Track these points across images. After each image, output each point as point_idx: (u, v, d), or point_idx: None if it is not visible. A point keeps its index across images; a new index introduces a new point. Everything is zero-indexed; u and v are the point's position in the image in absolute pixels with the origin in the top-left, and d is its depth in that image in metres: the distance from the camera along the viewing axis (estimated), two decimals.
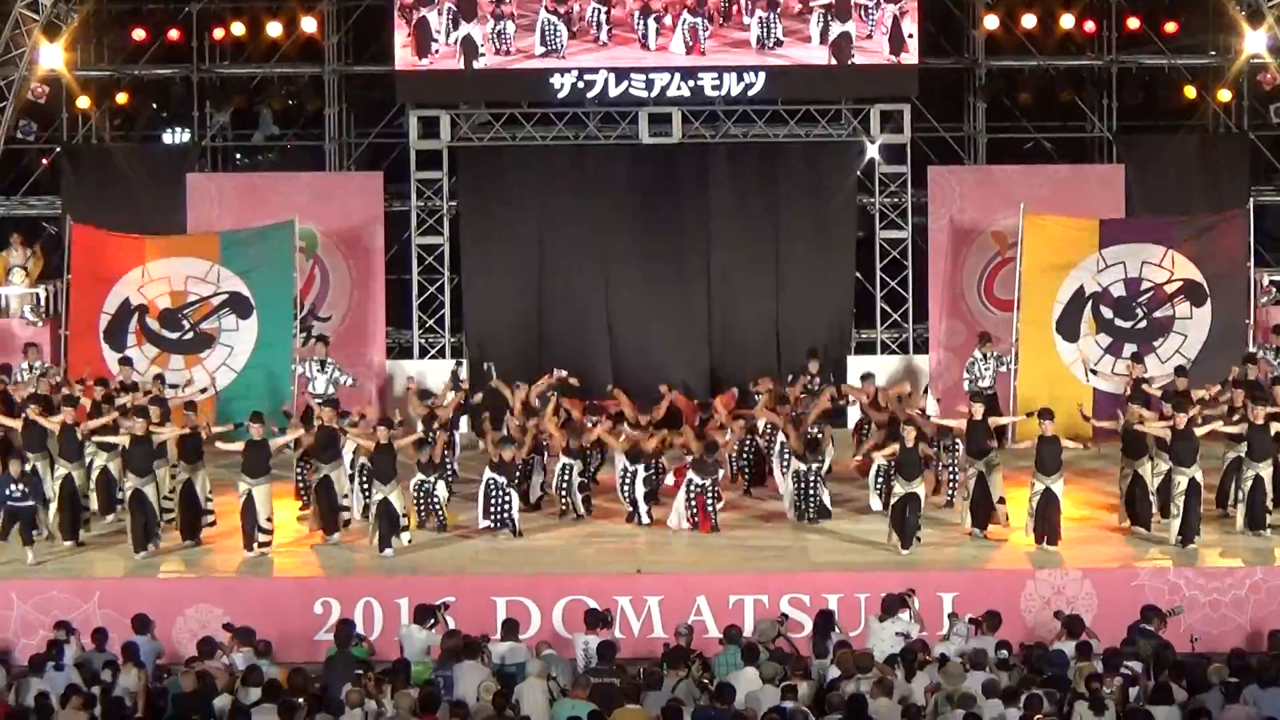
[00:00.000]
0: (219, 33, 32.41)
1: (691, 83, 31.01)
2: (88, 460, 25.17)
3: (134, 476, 24.23)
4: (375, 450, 24.42)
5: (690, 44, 30.83)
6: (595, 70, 31.01)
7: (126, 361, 28.27)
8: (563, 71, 30.98)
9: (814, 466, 25.39)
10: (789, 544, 24.73)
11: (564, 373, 28.06)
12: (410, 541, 24.48)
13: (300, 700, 18.48)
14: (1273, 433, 24.46)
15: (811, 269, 31.90)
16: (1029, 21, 32.07)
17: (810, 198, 32.01)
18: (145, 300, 29.49)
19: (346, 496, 25.12)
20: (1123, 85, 32.73)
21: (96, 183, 31.85)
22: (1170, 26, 32.48)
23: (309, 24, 32.15)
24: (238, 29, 32.23)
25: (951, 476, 26.19)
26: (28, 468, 24.53)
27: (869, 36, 30.78)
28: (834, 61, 30.80)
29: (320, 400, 27.49)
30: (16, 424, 25.30)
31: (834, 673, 19.35)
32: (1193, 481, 24.02)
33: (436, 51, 30.82)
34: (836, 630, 20.79)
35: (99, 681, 19.67)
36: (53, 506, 24.78)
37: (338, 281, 31.53)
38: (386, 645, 21.72)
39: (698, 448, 25.12)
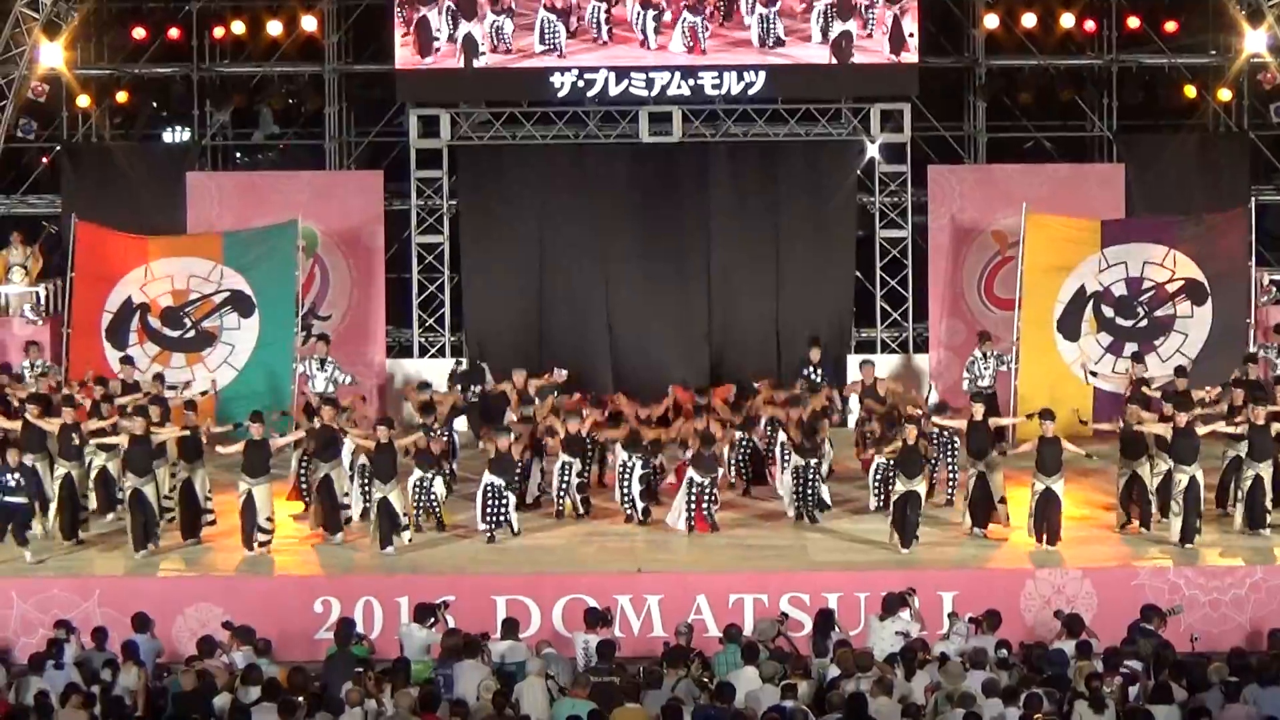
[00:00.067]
0: (219, 31, 32.44)
1: (692, 82, 31.02)
2: (87, 460, 25.17)
3: (133, 476, 24.23)
4: (375, 450, 24.42)
5: (690, 43, 30.82)
6: (595, 69, 31.02)
7: (128, 360, 28.27)
8: (563, 70, 30.99)
9: (812, 463, 25.38)
10: (789, 543, 24.73)
11: (564, 372, 28.07)
12: (410, 540, 24.48)
13: (300, 699, 18.47)
14: (1274, 433, 24.47)
15: (811, 268, 31.92)
16: (1029, 21, 32.09)
17: (810, 197, 32.02)
18: (147, 299, 29.49)
19: (347, 495, 25.13)
20: (1123, 84, 32.75)
21: (97, 181, 31.86)
22: (1170, 26, 32.50)
23: (309, 23, 32.17)
24: (238, 28, 32.26)
25: (951, 476, 26.22)
26: (28, 460, 24.53)
27: (869, 35, 30.79)
28: (834, 60, 30.80)
29: (319, 396, 27.54)
30: (15, 425, 25.27)
31: (834, 672, 19.35)
32: (1193, 480, 24.03)
33: (438, 50, 30.83)
34: (836, 629, 20.78)
35: (99, 680, 19.67)
36: (52, 506, 24.80)
37: (338, 280, 31.55)
38: (386, 644, 21.72)
39: (694, 442, 25.10)
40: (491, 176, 32.01)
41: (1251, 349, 28.89)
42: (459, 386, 28.49)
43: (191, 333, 29.53)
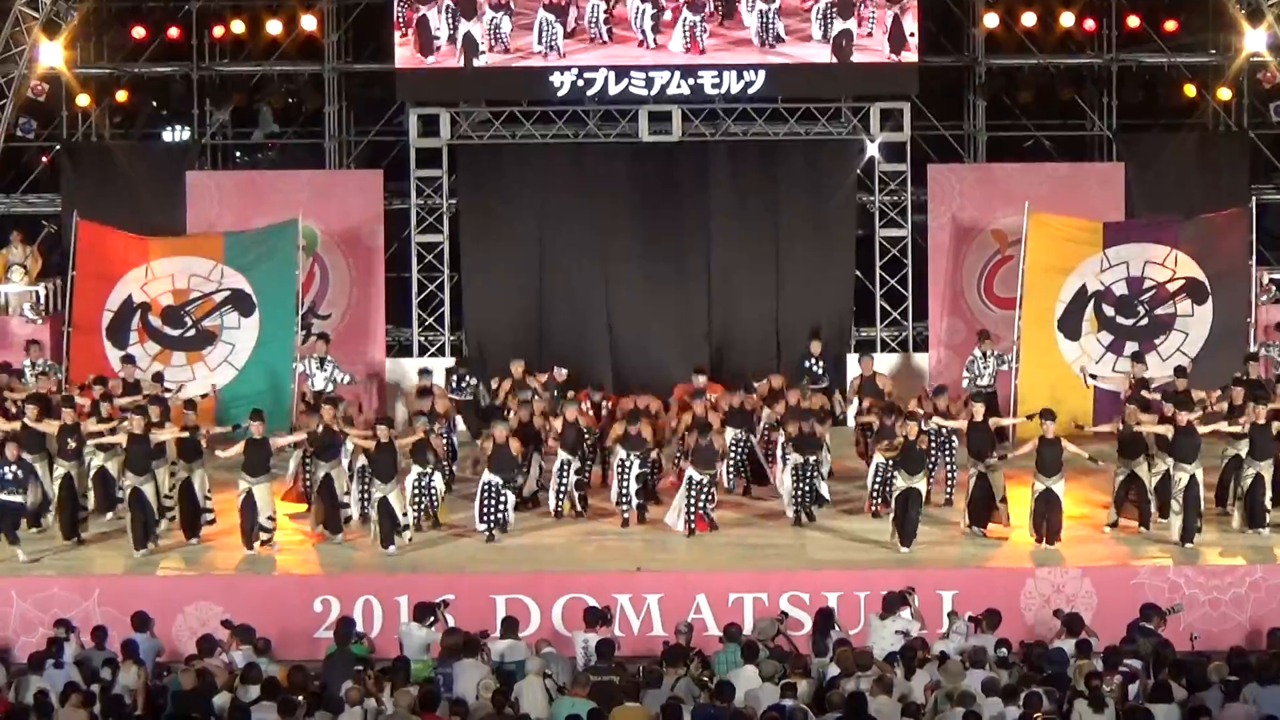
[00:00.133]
0: (219, 30, 32.45)
1: (691, 81, 31.02)
2: (86, 460, 25.17)
3: (132, 475, 24.23)
4: (375, 449, 24.40)
5: (689, 42, 30.81)
6: (595, 68, 31.02)
7: (129, 359, 28.29)
8: (562, 69, 30.99)
9: (812, 460, 25.37)
10: (789, 542, 24.73)
11: (564, 371, 28.07)
12: (411, 540, 24.47)
13: (299, 698, 18.46)
14: (1275, 431, 24.47)
15: (811, 267, 31.92)
16: (1029, 20, 32.10)
17: (810, 196, 32.03)
18: (148, 298, 29.49)
19: (347, 495, 25.13)
20: (1123, 83, 32.75)
21: (96, 180, 31.87)
22: (1170, 25, 32.50)
23: (309, 22, 32.17)
24: (237, 27, 32.26)
25: (950, 475, 26.22)
26: (27, 459, 24.56)
27: (869, 35, 30.79)
28: (834, 59, 30.79)
29: (315, 395, 27.58)
30: (14, 426, 25.26)
31: (834, 671, 19.34)
32: (1193, 479, 24.03)
33: (438, 49, 30.83)
34: (836, 628, 20.77)
35: (98, 679, 19.66)
36: (52, 506, 24.82)
37: (337, 279, 31.56)
38: (386, 643, 21.70)
39: (691, 439, 25.08)
40: (491, 176, 32.02)
41: (1252, 348, 28.91)
42: (455, 379, 28.49)
43: (192, 331, 29.54)
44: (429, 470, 24.98)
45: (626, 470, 25.32)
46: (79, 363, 28.73)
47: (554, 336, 31.55)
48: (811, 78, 31.28)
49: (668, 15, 30.81)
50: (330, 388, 27.99)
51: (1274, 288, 31.05)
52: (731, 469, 26.78)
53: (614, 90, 31.15)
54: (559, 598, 22.63)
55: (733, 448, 26.63)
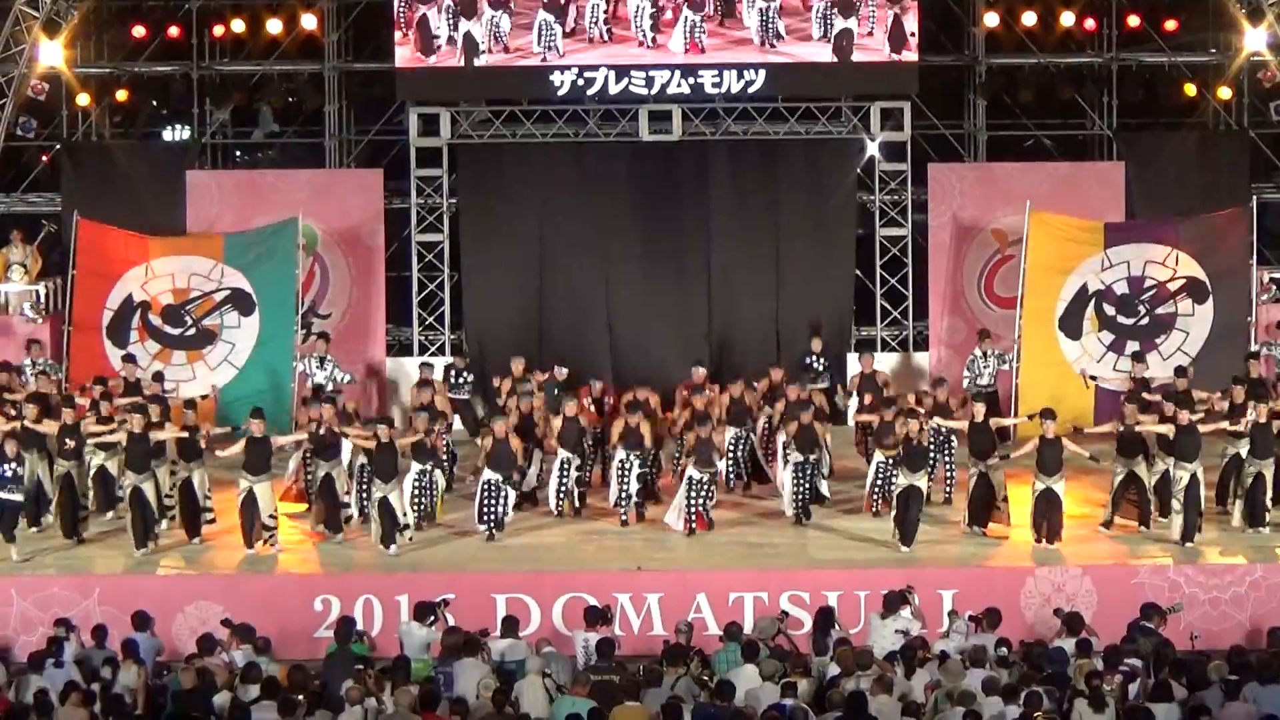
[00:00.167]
0: (219, 30, 32.44)
1: (691, 80, 31.00)
2: (86, 459, 25.16)
3: (132, 474, 24.24)
4: (376, 449, 24.39)
5: (689, 43, 30.80)
6: (595, 67, 31.00)
7: (130, 358, 28.28)
8: (563, 69, 30.97)
9: (811, 459, 25.37)
10: (789, 541, 24.74)
11: (564, 370, 28.07)
12: (411, 539, 24.47)
13: (300, 697, 18.47)
14: (1276, 430, 24.49)
15: (811, 266, 31.90)
16: (1029, 19, 32.09)
17: (810, 195, 32.01)
18: (148, 296, 29.46)
19: (348, 494, 25.13)
20: (1123, 83, 32.75)
21: (96, 180, 31.86)
22: (1170, 24, 32.50)
23: (309, 21, 32.17)
24: (237, 26, 32.26)
25: (948, 473, 26.23)
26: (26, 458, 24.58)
27: (869, 34, 30.77)
28: (835, 58, 30.78)
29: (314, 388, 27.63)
30: (14, 425, 25.26)
31: (834, 670, 19.34)
32: (1193, 478, 24.04)
33: (439, 48, 30.83)
34: (836, 627, 20.78)
35: (99, 678, 19.67)
36: (52, 505, 24.85)
37: (338, 279, 31.56)
38: (386, 642, 21.71)
39: (691, 436, 25.08)
40: (491, 175, 32.01)
41: (1254, 347, 28.91)
42: (452, 375, 28.49)
43: (192, 330, 29.51)
44: (429, 467, 24.97)
45: (626, 472, 25.33)
46: (79, 362, 28.73)
47: (554, 335, 31.53)
48: (812, 77, 31.26)
49: (668, 15, 30.79)
50: (330, 386, 27.98)
51: (1274, 287, 31.03)
52: (731, 468, 26.78)
53: (614, 89, 31.14)
54: (559, 597, 22.64)
55: (732, 446, 26.64)
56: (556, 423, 25.78)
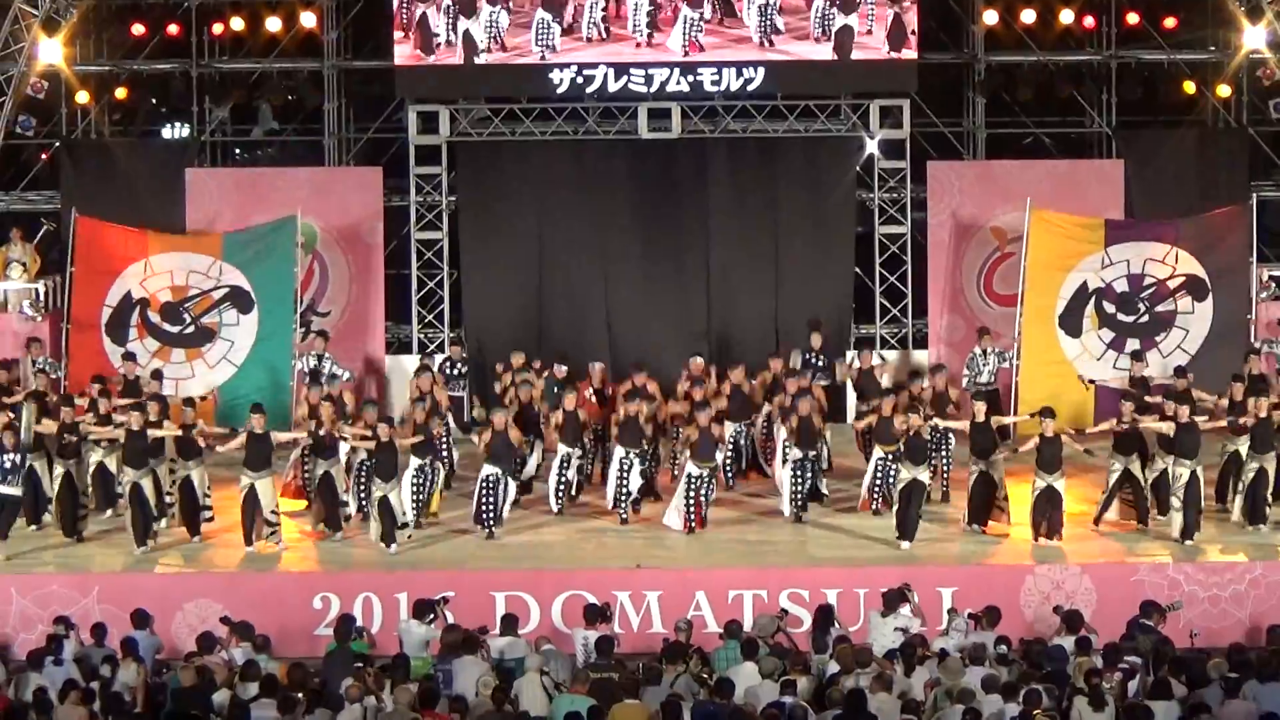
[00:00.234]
0: (218, 28, 32.41)
1: (691, 78, 30.99)
2: (85, 456, 25.16)
3: (131, 470, 24.24)
4: (376, 449, 24.37)
5: (688, 42, 30.79)
6: (594, 65, 30.98)
7: (130, 356, 28.25)
8: (562, 66, 30.97)
9: (811, 454, 25.37)
10: (788, 539, 24.74)
11: (564, 368, 28.05)
12: (410, 537, 24.47)
13: (299, 695, 18.48)
14: (1277, 425, 24.51)
15: (811, 264, 31.88)
16: (1028, 17, 32.06)
17: (809, 193, 31.99)
18: (147, 294, 29.42)
19: (346, 492, 25.13)
20: (1122, 80, 32.73)
21: (96, 178, 31.85)
22: (1169, 22, 32.46)
23: (308, 19, 32.14)
24: (237, 24, 32.23)
25: (946, 468, 26.24)
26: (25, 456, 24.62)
27: (869, 32, 30.76)
28: (836, 55, 30.76)
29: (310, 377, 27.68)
30: (10, 418, 25.28)
31: (833, 668, 19.35)
32: (1193, 476, 24.04)
33: (438, 46, 30.83)
34: (836, 625, 20.78)
35: (98, 676, 19.68)
36: (51, 505, 24.87)
37: (337, 276, 31.56)
38: (386, 640, 21.71)
39: (691, 429, 25.07)
40: (491, 173, 32.00)
41: (1255, 344, 28.91)
42: (447, 367, 28.48)
43: (191, 328, 29.47)
44: (428, 461, 24.97)
45: (626, 471, 25.32)
46: (78, 360, 28.68)
47: (553, 333, 31.50)
48: (811, 75, 31.26)
49: (666, 14, 30.76)
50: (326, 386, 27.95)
51: (1274, 284, 31.05)
52: (730, 464, 26.76)
53: (613, 87, 31.13)
54: (559, 595, 22.65)
55: (732, 442, 26.62)
56: (556, 417, 25.77)
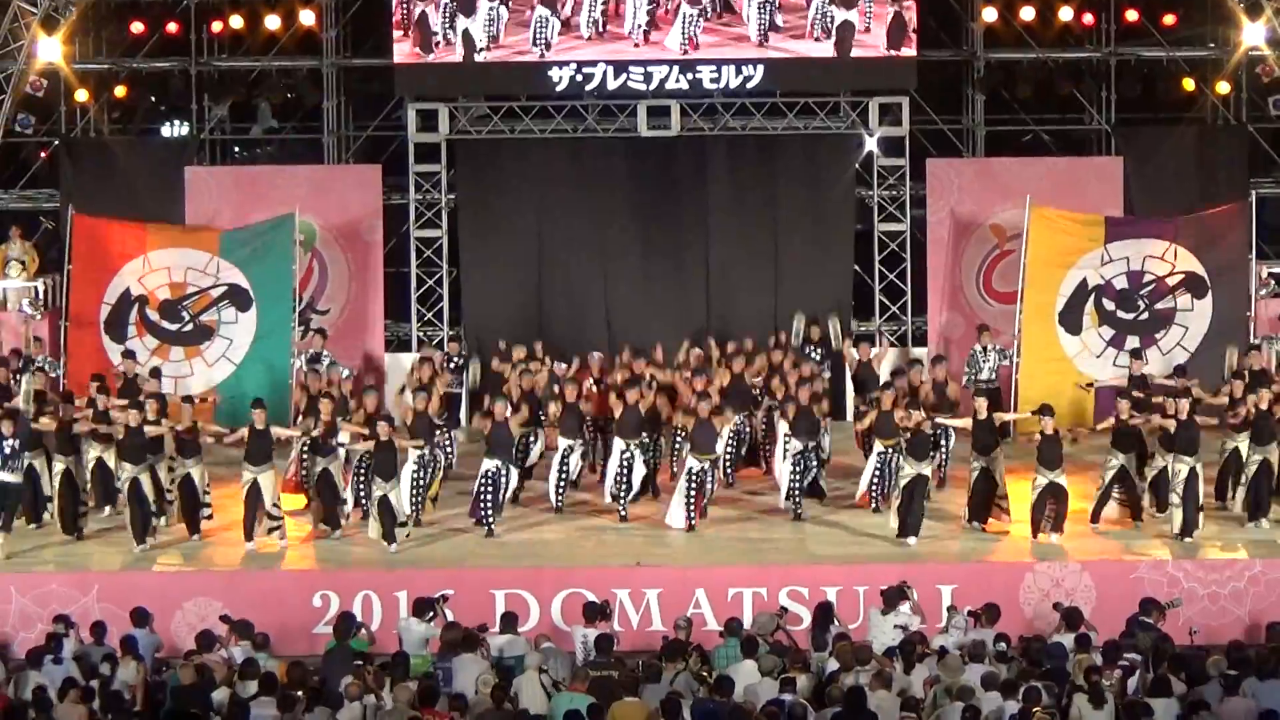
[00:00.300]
0: (217, 26, 32.44)
1: (690, 75, 31.01)
2: (84, 452, 25.15)
3: (129, 466, 24.23)
4: (376, 448, 24.33)
5: (687, 40, 30.79)
6: (593, 63, 31.00)
7: (130, 354, 28.25)
8: (561, 64, 30.98)
9: (811, 445, 25.36)
10: (788, 537, 24.73)
11: (564, 365, 28.05)
12: (408, 535, 24.46)
13: (299, 693, 18.47)
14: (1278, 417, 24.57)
15: (810, 262, 31.88)
16: (1027, 14, 32.06)
17: (809, 190, 32.01)
18: (145, 291, 29.38)
19: (346, 489, 25.12)
20: (1121, 78, 32.72)
21: (95, 176, 31.87)
22: (1169, 19, 32.47)
23: (307, 17, 32.16)
24: (236, 22, 32.26)
25: (944, 460, 26.27)
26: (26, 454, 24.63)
27: (867, 29, 30.77)
28: (836, 50, 30.76)
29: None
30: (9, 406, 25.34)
31: (833, 665, 19.34)
32: (1192, 472, 24.04)
33: (437, 44, 30.84)
34: (836, 623, 20.78)
35: (97, 675, 19.67)
36: (51, 503, 24.88)
37: (336, 274, 31.57)
38: (385, 638, 21.70)
39: (690, 419, 25.07)
40: (490, 171, 32.00)
41: (1255, 340, 28.91)
42: (447, 361, 28.52)
43: (189, 326, 29.44)
44: (426, 451, 24.95)
45: (627, 467, 25.28)
46: (77, 358, 28.66)
47: (553, 331, 31.45)
48: (810, 72, 31.27)
49: (664, 11, 30.75)
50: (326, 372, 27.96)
51: (1273, 282, 31.07)
52: (729, 460, 26.73)
53: (612, 85, 31.15)
54: (558, 593, 22.64)
55: (732, 437, 26.60)
56: (555, 408, 25.77)
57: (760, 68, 30.97)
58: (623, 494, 25.37)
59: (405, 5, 30.81)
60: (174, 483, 24.97)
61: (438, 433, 26.02)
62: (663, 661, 19.47)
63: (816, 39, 30.83)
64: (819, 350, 28.94)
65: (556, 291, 31.94)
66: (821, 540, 24.53)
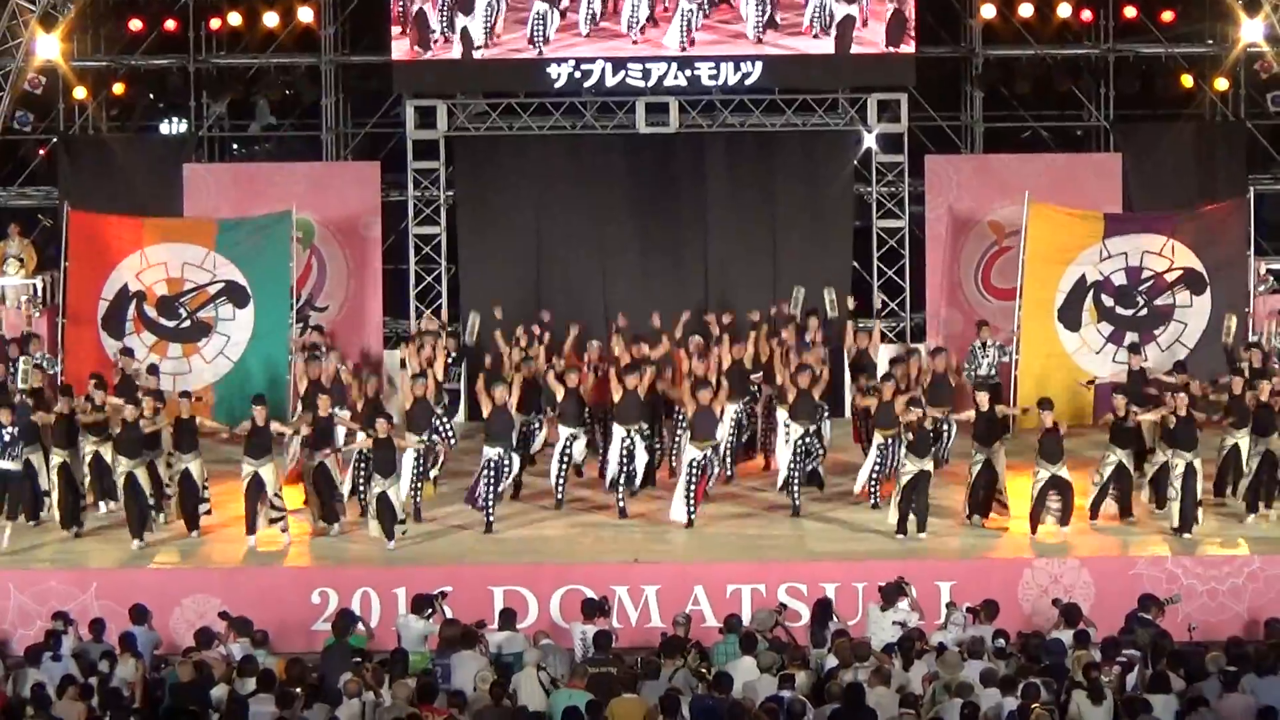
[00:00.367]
0: (215, 23, 32.43)
1: (688, 72, 31.00)
2: (81, 447, 25.15)
3: (125, 460, 24.22)
4: (375, 445, 24.31)
5: (686, 37, 30.79)
6: (592, 60, 30.99)
7: (128, 352, 28.21)
8: (559, 61, 30.97)
9: (811, 429, 25.34)
10: (787, 533, 24.74)
11: (564, 364, 28.02)
12: (406, 533, 24.45)
13: (297, 690, 18.47)
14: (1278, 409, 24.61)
15: (808, 258, 31.83)
16: (1026, 10, 32.03)
17: (807, 187, 32.01)
18: (143, 287, 29.33)
19: (343, 483, 25.11)
20: (1120, 74, 32.71)
21: (93, 173, 31.86)
22: (1167, 15, 32.45)
23: (305, 14, 32.14)
24: (234, 19, 32.24)
25: (944, 456, 26.31)
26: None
27: (865, 26, 30.77)
28: (837, 46, 30.77)
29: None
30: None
31: (832, 662, 19.34)
32: (1190, 468, 24.04)
33: (435, 42, 30.84)
34: (834, 619, 20.79)
35: (96, 672, 19.66)
36: (50, 498, 24.87)
37: (334, 271, 31.56)
38: (384, 635, 21.70)
39: (690, 403, 25.07)
40: (488, 167, 32.00)
41: (1252, 338, 28.92)
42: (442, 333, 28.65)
43: (187, 323, 29.42)
44: (425, 436, 24.93)
45: (628, 454, 25.25)
46: (75, 355, 28.63)
47: (551, 328, 31.44)
48: (809, 69, 31.27)
49: (662, 8, 30.76)
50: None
51: (1271, 278, 31.07)
52: (731, 441, 26.67)
53: (611, 82, 31.14)
54: (557, 589, 22.64)
55: (732, 430, 26.57)
56: (558, 389, 25.79)
57: (758, 64, 30.97)
58: (623, 481, 25.33)
59: (403, 2, 30.82)
60: (172, 478, 24.97)
61: (435, 419, 26.02)
62: (661, 658, 19.46)
63: (815, 36, 30.86)
64: (816, 344, 28.85)
65: (555, 288, 31.90)
66: (820, 537, 24.53)
